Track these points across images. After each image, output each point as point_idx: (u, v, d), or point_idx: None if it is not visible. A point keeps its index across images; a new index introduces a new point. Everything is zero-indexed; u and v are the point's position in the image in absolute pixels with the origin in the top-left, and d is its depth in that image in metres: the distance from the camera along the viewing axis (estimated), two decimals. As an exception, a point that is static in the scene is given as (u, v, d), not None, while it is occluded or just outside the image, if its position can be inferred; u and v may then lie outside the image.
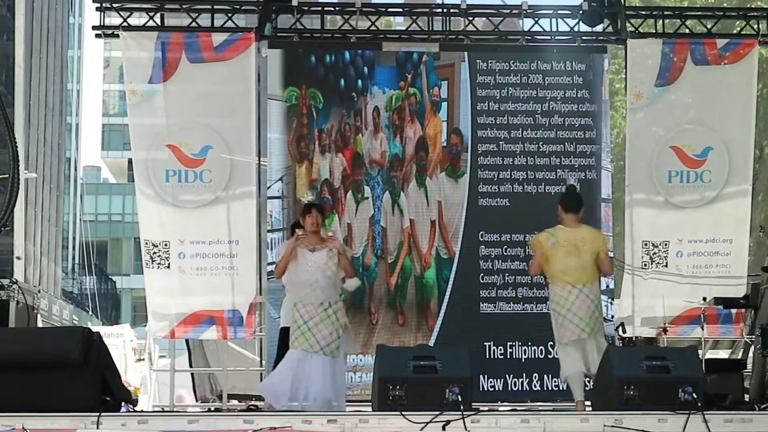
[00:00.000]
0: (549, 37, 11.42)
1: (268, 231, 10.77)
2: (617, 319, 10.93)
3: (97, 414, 6.57)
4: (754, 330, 9.72)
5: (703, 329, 10.26)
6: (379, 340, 10.35)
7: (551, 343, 9.28)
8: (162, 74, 10.68)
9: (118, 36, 10.86)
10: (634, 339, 10.97)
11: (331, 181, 10.80)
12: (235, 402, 11.23)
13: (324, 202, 10.35)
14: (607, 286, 10.93)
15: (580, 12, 11.23)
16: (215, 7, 11.05)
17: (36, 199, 34.40)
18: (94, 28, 11.13)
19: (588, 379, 8.35)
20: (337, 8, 11.44)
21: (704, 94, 11.10)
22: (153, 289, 10.66)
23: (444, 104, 11.06)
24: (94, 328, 8.79)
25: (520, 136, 11.06)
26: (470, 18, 11.33)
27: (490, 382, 10.63)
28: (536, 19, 11.39)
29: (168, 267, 10.58)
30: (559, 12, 11.37)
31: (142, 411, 10.03)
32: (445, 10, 11.37)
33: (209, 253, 10.61)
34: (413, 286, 10.84)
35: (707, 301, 10.27)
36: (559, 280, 8.37)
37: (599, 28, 11.50)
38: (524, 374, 10.68)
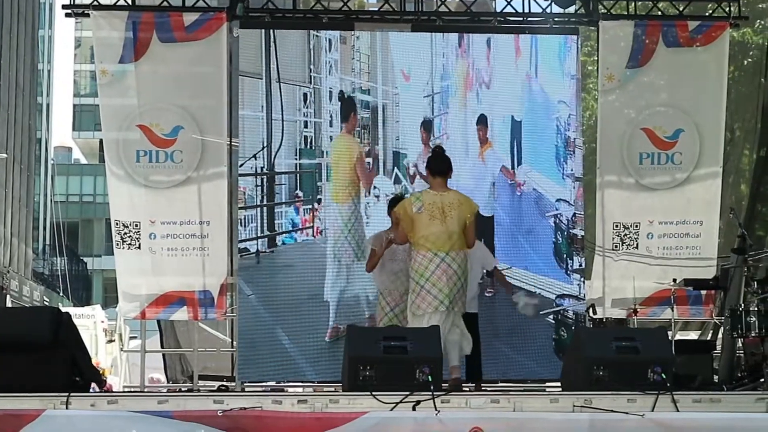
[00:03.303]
0: (521, 19, 11.41)
1: (240, 208, 10.75)
2: (588, 300, 10.97)
3: (67, 394, 6.54)
4: (723, 311, 9.78)
5: (673, 310, 10.31)
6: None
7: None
8: (133, 54, 10.59)
9: (88, 15, 10.77)
10: (604, 320, 11.02)
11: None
12: (206, 383, 11.22)
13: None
14: (581, 265, 11.00)
15: (553, -7, 11.24)
16: (186, -14, 10.99)
17: (6, 179, 34.16)
18: (64, 7, 11.04)
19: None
20: (309, -12, 11.42)
21: (676, 77, 11.13)
22: (123, 270, 10.61)
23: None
24: (65, 309, 8.77)
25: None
26: (443, -1, 11.32)
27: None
28: (508, 0, 11.38)
29: (139, 247, 10.52)
30: (531, -7, 11.37)
31: (112, 391, 10.03)
32: (417, -9, 11.36)
33: (180, 233, 10.56)
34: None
35: (677, 282, 10.31)
36: (421, 247, 8.12)
37: (571, 9, 11.52)
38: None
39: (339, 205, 10.76)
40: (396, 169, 11.01)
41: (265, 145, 10.79)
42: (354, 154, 10.88)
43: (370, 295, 10.38)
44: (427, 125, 11.07)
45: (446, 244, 8.09)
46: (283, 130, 10.85)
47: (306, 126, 10.97)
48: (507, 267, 10.84)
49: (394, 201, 9.31)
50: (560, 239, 10.97)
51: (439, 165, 8.38)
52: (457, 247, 8.12)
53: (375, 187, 10.88)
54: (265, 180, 10.80)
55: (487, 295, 10.57)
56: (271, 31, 10.90)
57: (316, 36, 11.07)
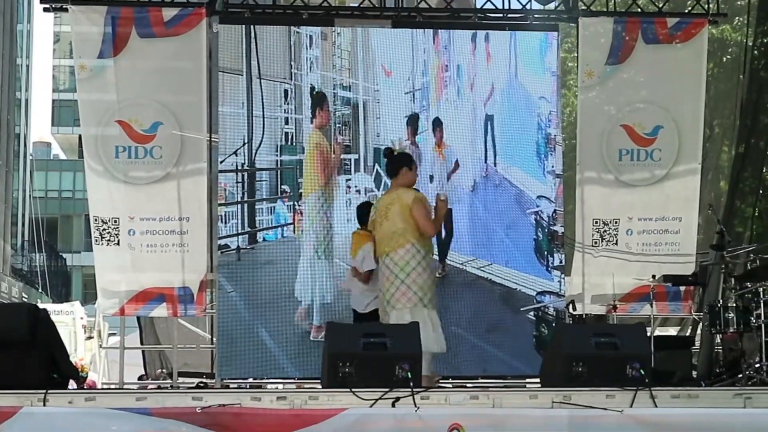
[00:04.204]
0: (501, 15, 11.42)
1: (220, 205, 10.73)
2: (568, 296, 10.99)
3: (44, 391, 6.51)
4: (702, 307, 9.82)
5: (652, 306, 10.33)
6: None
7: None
8: (112, 49, 10.55)
9: (67, 10, 10.71)
10: (584, 316, 11.03)
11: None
12: (186, 379, 11.20)
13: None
14: (561, 262, 11.01)
15: (533, -10, 11.25)
16: (165, -19, 10.95)
17: (-15, 175, 33.99)
18: (42, 1, 10.96)
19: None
20: (289, -16, 11.37)
21: (655, 73, 11.15)
22: (102, 266, 10.57)
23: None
24: (43, 306, 8.74)
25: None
26: (423, -5, 11.30)
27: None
28: (489, -4, 11.39)
29: (118, 244, 10.48)
30: (511, -11, 11.37)
31: (93, 388, 10.00)
32: (397, -13, 11.35)
33: (159, 229, 10.53)
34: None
35: (656, 278, 10.34)
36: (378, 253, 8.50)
37: (551, 6, 11.53)
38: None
39: (307, 199, 10.79)
40: (377, 166, 11.01)
41: (245, 141, 10.78)
42: (319, 146, 10.89)
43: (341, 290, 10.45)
44: (412, 121, 11.07)
45: (388, 244, 8.33)
46: (263, 126, 10.83)
47: (287, 122, 10.96)
48: (488, 263, 10.87)
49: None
50: (541, 236, 10.98)
51: (389, 167, 8.68)
52: (397, 245, 8.28)
53: (348, 180, 10.89)
54: (245, 176, 10.79)
55: (438, 276, 10.59)
56: (252, 26, 10.89)
57: (297, 32, 11.06)
